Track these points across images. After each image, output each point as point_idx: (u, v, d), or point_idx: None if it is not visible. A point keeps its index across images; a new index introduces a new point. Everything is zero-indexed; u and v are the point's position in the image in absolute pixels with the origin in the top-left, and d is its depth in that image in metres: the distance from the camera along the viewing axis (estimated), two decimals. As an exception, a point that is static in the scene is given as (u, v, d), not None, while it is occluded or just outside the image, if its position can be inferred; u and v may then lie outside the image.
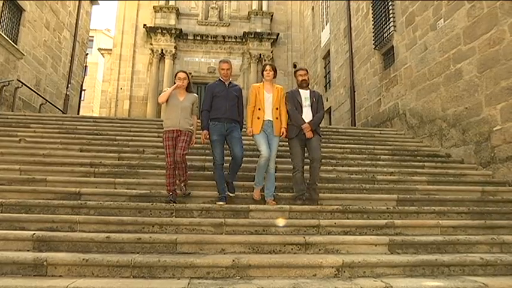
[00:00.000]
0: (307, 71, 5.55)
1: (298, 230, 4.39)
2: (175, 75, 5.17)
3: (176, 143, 4.89)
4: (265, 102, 5.13)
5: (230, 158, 5.17)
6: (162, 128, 5.12)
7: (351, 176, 6.02)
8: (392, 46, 9.95)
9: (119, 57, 18.78)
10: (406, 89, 9.24)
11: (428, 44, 8.31)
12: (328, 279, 3.47)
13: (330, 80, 15.00)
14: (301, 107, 5.24)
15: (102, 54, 26.59)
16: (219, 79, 5.26)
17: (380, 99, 10.66)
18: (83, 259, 3.45)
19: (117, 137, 7.48)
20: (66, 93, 13.70)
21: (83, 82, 16.23)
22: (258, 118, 5.08)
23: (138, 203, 4.70)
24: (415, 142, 8.50)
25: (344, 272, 3.60)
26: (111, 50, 20.92)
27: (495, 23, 6.31)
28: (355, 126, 11.81)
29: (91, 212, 4.52)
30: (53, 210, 4.51)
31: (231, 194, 5.01)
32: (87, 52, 16.63)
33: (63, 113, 12.88)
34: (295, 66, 19.28)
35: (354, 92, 12.35)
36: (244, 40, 19.17)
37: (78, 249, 3.77)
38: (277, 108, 5.16)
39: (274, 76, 5.30)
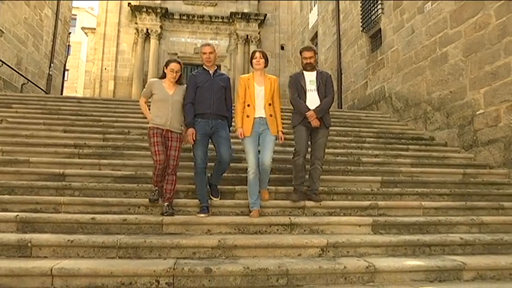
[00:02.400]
0: (314, 51, 4.81)
1: (283, 211, 4.44)
2: (166, 64, 4.38)
3: (166, 147, 4.25)
4: (256, 98, 4.38)
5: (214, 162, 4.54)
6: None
7: (337, 158, 6.07)
8: (380, 29, 9.93)
9: (103, 37, 18.32)
10: (392, 72, 9.28)
11: (415, 27, 8.32)
12: (312, 259, 3.54)
13: (317, 62, 14.93)
14: (305, 93, 4.60)
15: (85, 33, 25.94)
16: (203, 67, 4.55)
17: (366, 82, 10.69)
18: (68, 240, 3.44)
19: (102, 118, 7.38)
20: (48, 73, 13.36)
21: (66, 62, 15.82)
22: (248, 116, 4.34)
23: (124, 184, 4.68)
24: (400, 125, 8.60)
25: (328, 251, 3.67)
26: (94, 29, 20.42)
27: (481, 7, 6.33)
28: (341, 108, 11.86)
29: (76, 193, 4.49)
30: (36, 192, 4.47)
31: (214, 199, 4.41)
32: (70, 31, 16.18)
33: (45, 93, 12.59)
34: (282, 48, 19.14)
35: (341, 74, 12.36)
36: (231, 20, 18.88)
37: (63, 231, 3.76)
38: (270, 104, 4.43)
39: (266, 65, 4.48)
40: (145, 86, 4.53)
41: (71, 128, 6.65)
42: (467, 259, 3.58)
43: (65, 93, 17.71)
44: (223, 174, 4.67)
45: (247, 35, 18.61)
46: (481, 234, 4.23)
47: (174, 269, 3.13)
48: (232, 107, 4.67)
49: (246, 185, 4.79)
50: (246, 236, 3.89)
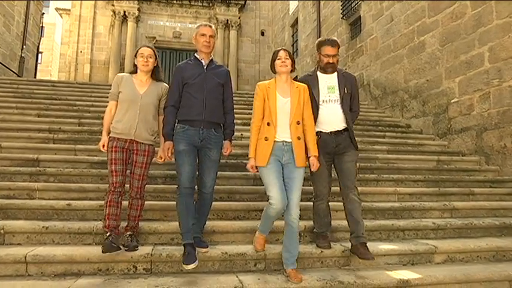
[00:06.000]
0: (339, 46, 3.47)
1: (262, 197, 4.44)
2: (136, 52, 3.39)
3: (131, 162, 3.29)
4: (278, 113, 3.08)
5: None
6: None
7: (315, 144, 6.12)
8: (360, 16, 9.99)
9: (79, 18, 17.77)
10: (371, 60, 9.37)
11: (394, 16, 8.39)
12: (290, 244, 3.59)
13: (297, 49, 14.94)
14: (318, 105, 3.32)
15: (60, 14, 25.04)
16: (194, 56, 3.39)
17: (346, 69, 10.75)
18: (43, 227, 3.38)
19: (77, 102, 7.23)
20: (21, 55, 12.89)
21: (39, 44, 15.27)
22: (266, 139, 3.06)
23: (100, 170, 4.60)
24: (378, 112, 8.73)
25: (306, 236, 3.73)
26: (69, 10, 19.73)
27: (458, -3, 6.44)
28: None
29: (50, 179, 4.40)
30: (9, 178, 4.35)
31: (203, 250, 3.22)
32: (43, 11, 15.59)
33: (18, 76, 12.17)
34: (262, 33, 19.00)
35: (321, 61, 12.38)
36: (211, 4, 18.58)
37: (37, 217, 3.69)
38: (298, 123, 3.12)
39: (293, 68, 3.20)
40: (112, 84, 3.43)
41: (45, 113, 6.49)
42: (439, 243, 3.71)
43: (38, 77, 17.16)
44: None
45: (227, 20, 18.38)
46: (452, 219, 4.38)
47: (151, 254, 3.13)
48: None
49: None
50: (224, 221, 3.90)
